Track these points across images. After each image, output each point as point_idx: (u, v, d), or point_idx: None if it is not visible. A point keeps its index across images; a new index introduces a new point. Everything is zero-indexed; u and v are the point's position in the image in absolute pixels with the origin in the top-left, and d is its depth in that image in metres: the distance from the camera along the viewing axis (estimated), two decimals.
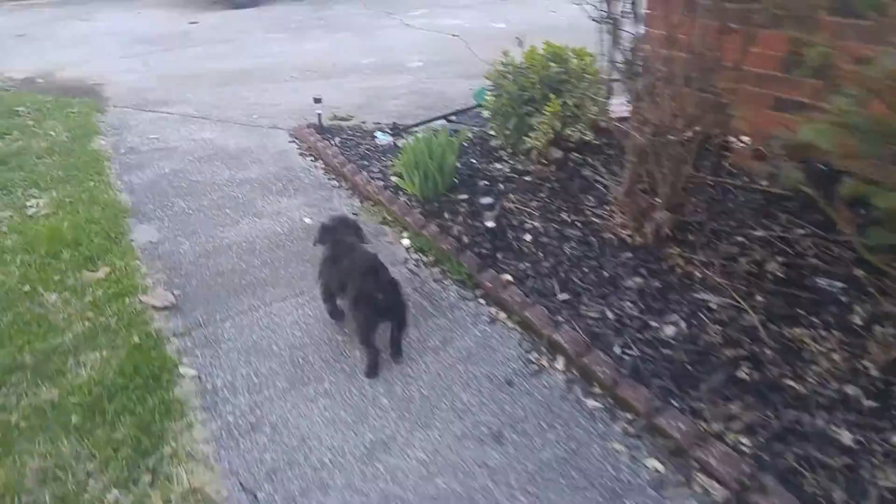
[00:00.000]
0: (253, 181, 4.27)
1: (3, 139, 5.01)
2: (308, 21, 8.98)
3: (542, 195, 3.62)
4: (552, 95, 3.75)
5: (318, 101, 4.79)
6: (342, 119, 5.26)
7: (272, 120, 5.35)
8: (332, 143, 4.61)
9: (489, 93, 4.08)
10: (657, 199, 3.00)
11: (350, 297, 2.58)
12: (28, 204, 4.00)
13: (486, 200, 3.22)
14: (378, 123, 5.14)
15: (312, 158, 4.57)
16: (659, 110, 2.82)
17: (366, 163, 4.29)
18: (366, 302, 2.50)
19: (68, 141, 4.96)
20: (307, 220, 3.76)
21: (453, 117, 4.83)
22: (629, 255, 3.03)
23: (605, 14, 2.92)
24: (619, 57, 2.99)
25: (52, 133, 5.11)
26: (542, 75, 3.79)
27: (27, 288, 3.12)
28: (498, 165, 4.02)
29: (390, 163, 4.21)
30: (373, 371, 2.56)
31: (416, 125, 4.72)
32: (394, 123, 4.74)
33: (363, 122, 5.16)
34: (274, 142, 4.89)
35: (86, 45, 8.11)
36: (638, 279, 2.87)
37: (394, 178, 3.88)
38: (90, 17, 9.85)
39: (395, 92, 5.88)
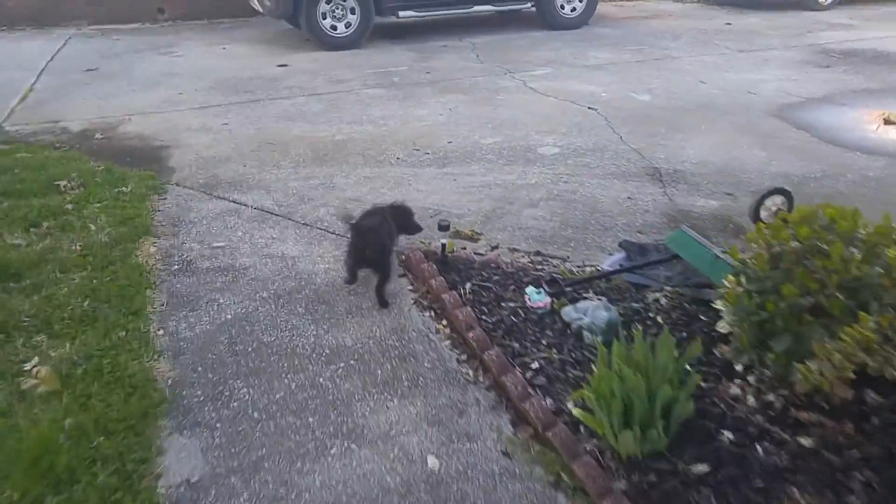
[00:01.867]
0: (350, 353, 2.91)
1: (29, 233, 3.84)
2: (413, 74, 7.73)
3: (852, 487, 2.08)
4: (853, 305, 2.23)
5: (444, 228, 3.42)
6: (467, 238, 3.88)
7: None
8: (461, 291, 3.21)
9: (729, 278, 2.56)
10: None
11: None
12: (25, 368, 2.75)
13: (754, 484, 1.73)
14: (516, 251, 3.74)
15: (433, 315, 3.17)
16: None
17: (516, 344, 2.86)
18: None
19: (109, 242, 3.74)
20: (432, 463, 2.35)
21: (638, 274, 3.31)
22: None
23: None
24: None
25: (92, 227, 3.91)
26: (841, 277, 2.27)
27: None
28: (735, 390, 2.52)
29: (556, 351, 2.78)
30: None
31: (584, 281, 3.25)
32: (552, 278, 3.27)
33: (496, 248, 3.77)
34: None
35: (160, 88, 7.06)
36: None
37: (575, 411, 2.42)
38: (171, 50, 8.89)
39: (530, 195, 4.48)
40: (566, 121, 5.95)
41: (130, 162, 4.98)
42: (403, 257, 3.61)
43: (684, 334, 2.85)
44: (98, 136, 5.59)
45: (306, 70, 7.91)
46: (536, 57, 8.39)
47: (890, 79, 6.99)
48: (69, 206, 4.16)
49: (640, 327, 2.81)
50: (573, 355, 2.78)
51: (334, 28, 8.79)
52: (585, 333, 2.84)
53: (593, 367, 2.50)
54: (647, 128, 5.74)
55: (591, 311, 2.88)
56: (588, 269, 3.53)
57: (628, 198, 4.42)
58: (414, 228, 3.56)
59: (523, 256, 3.69)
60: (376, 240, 3.14)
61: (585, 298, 3.07)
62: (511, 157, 5.16)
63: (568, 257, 3.68)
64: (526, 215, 4.21)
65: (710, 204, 4.32)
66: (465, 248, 3.77)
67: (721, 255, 2.87)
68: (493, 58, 8.38)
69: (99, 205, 4.20)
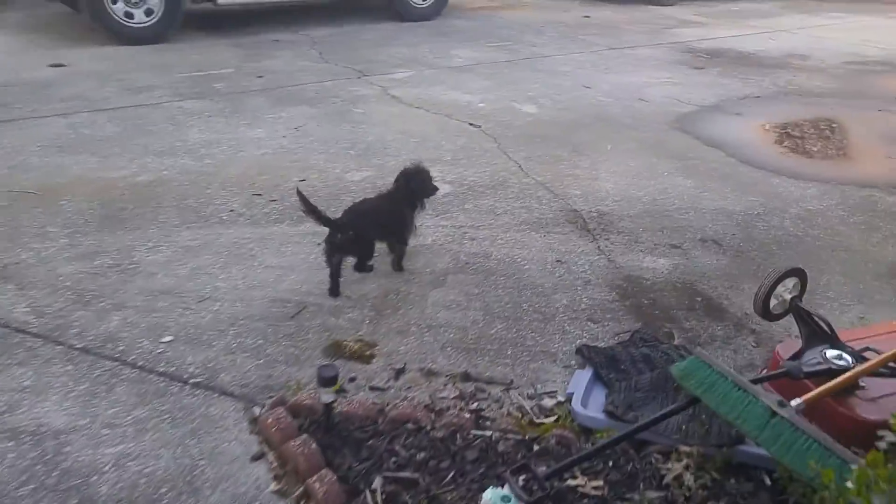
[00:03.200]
0: None
1: None
2: (241, 78, 6.09)
3: None
4: None
5: (327, 381, 2.02)
6: (355, 357, 2.56)
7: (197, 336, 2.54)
8: (367, 498, 1.88)
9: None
10: None
11: None
12: None
13: None
14: (433, 374, 2.51)
15: None
16: None
17: None
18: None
19: None
20: None
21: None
22: None
23: None
24: None
25: None
26: None
27: None
28: None
29: None
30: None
31: (573, 464, 2.00)
32: (523, 467, 2.00)
33: (402, 372, 2.48)
34: (211, 446, 2.10)
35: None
36: None
37: None
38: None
39: (430, 264, 3.24)
40: (449, 143, 4.75)
41: None
42: (257, 420, 2.20)
43: None
44: None
45: (92, 72, 5.96)
46: (391, 55, 7.09)
47: (764, 83, 6.61)
48: None
49: None
50: None
51: (129, 16, 6.82)
52: None
53: None
54: (546, 150, 4.71)
55: None
56: (548, 400, 2.37)
57: (558, 261, 3.32)
58: (430, 190, 3.20)
59: (447, 386, 2.43)
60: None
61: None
62: None
63: (512, 381, 2.49)
64: (433, 301, 2.95)
65: (659, 265, 3.34)
66: (354, 379, 2.44)
67: (781, 411, 1.83)
68: (339, 56, 6.94)
69: None
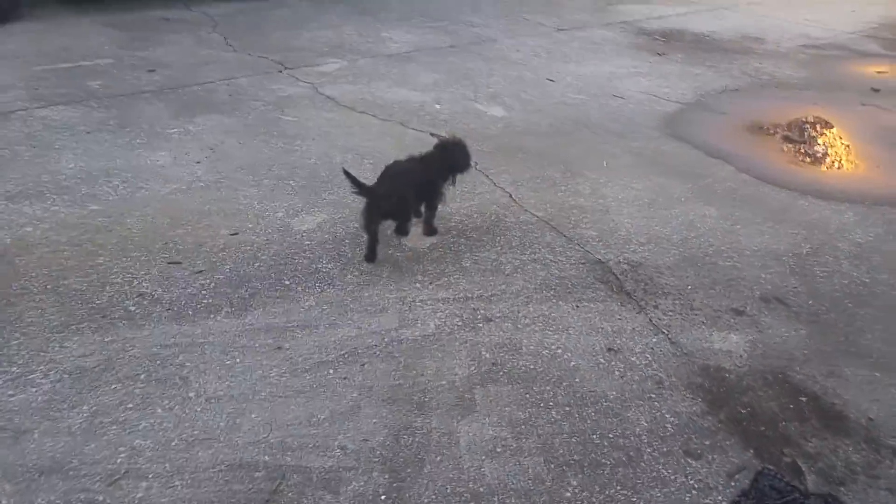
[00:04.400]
0: None
1: None
2: (126, 74, 4.76)
3: None
4: None
5: None
6: None
7: None
8: None
9: None
10: None
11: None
12: None
13: None
14: None
15: None
16: None
17: None
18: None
19: None
20: None
21: None
22: None
23: None
24: None
25: None
26: None
27: None
28: None
29: None
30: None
31: None
32: None
33: None
34: None
35: None
36: None
37: None
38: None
39: (444, 368, 2.32)
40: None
41: None
42: None
43: None
44: None
45: None
46: (313, 40, 5.91)
47: (733, 72, 6.04)
48: None
49: None
50: None
51: None
52: None
53: None
54: (534, 170, 3.85)
55: None
56: None
57: (609, 349, 2.49)
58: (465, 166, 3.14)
59: None
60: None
61: None
62: (361, 265, 2.87)
63: None
64: (467, 444, 2.04)
65: (732, 343, 2.58)
66: None
67: None
68: (250, 42, 5.69)
69: None
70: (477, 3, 7.82)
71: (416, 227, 3.06)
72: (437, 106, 4.70)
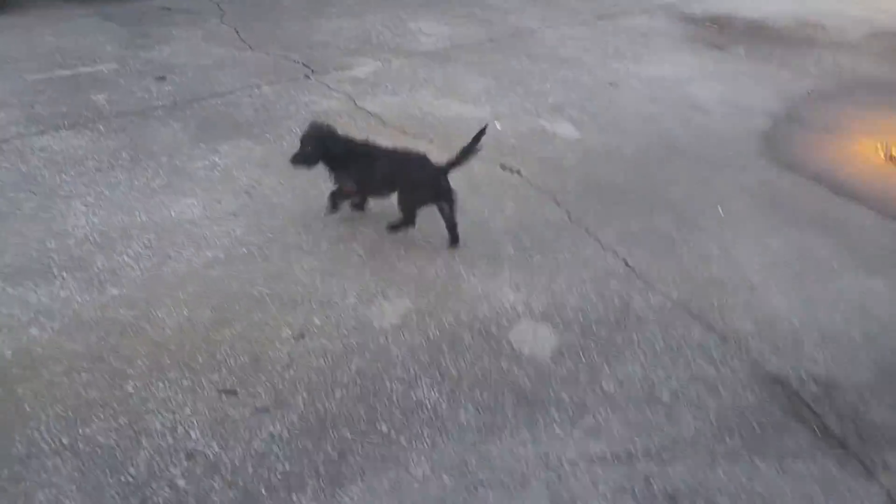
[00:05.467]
0: None
1: None
2: (133, 84, 3.93)
3: None
4: None
5: None
6: None
7: None
8: None
9: None
10: None
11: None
12: None
13: None
14: None
15: None
16: None
17: None
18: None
19: None
20: None
21: None
22: None
23: None
24: None
25: None
26: None
27: None
28: None
29: None
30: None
31: None
32: None
33: None
34: None
35: None
36: None
37: None
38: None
39: None
40: (496, 214, 3.06)
41: None
42: None
43: None
44: None
45: None
46: (335, 33, 5.08)
47: (808, 68, 5.36)
48: None
49: None
50: None
51: None
52: None
53: None
54: (640, 222, 3.15)
55: None
56: None
57: None
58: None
59: None
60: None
61: None
62: (472, 391, 2.19)
63: None
64: None
65: None
66: None
67: None
68: (265, 35, 4.85)
69: None
70: None
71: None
72: (498, 126, 3.95)
